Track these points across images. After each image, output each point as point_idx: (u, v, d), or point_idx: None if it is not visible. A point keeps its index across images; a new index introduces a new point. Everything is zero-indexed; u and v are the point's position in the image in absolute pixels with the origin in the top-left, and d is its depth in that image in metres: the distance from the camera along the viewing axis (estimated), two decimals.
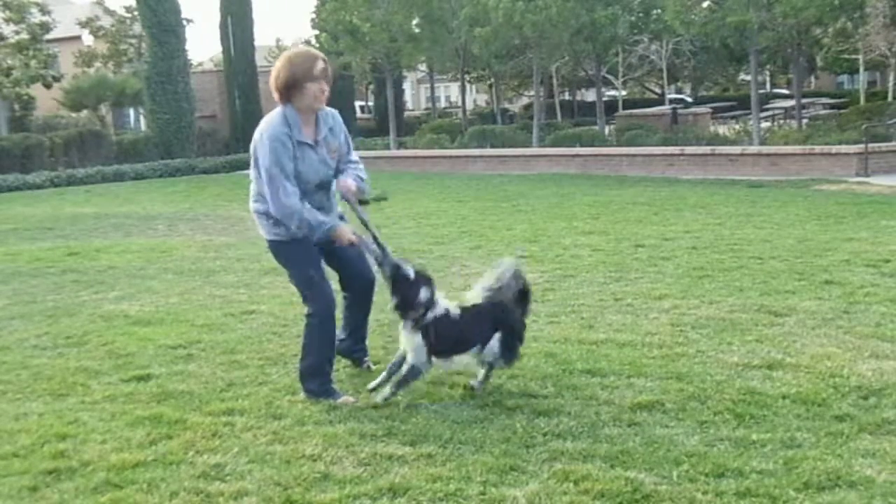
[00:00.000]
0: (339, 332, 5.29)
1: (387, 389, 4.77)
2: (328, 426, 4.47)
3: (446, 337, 4.70)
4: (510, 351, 4.87)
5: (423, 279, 4.74)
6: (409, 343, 4.70)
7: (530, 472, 3.85)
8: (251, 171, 4.89)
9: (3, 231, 13.41)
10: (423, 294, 4.68)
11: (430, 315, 4.67)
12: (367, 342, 5.56)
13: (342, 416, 4.60)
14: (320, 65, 4.63)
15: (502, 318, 4.85)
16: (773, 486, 3.63)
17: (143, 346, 6.14)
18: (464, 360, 4.86)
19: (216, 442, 4.31)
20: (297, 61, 4.64)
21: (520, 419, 4.46)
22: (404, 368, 4.73)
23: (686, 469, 3.81)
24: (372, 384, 4.92)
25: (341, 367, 5.36)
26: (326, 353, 4.96)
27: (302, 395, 4.91)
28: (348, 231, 4.76)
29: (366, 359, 5.51)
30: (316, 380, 4.90)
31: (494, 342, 4.81)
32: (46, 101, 31.63)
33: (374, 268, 4.88)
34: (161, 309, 7.38)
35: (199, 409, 4.81)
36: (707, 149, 19.51)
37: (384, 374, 4.90)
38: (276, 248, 4.94)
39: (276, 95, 4.70)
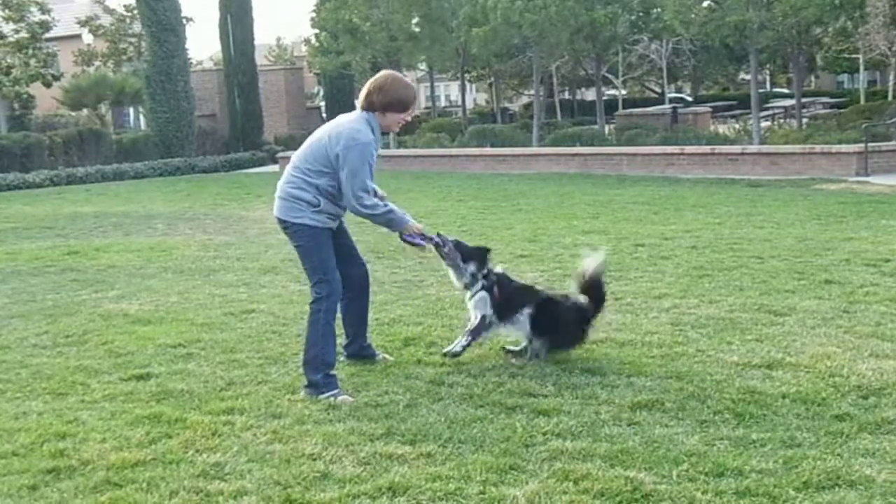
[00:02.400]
0: (342, 340, 5.49)
1: (462, 340, 5.42)
2: (328, 425, 4.47)
3: (504, 294, 5.43)
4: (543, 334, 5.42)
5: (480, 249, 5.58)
6: (479, 301, 5.41)
7: (530, 472, 3.85)
8: (303, 160, 5.07)
9: (2, 230, 13.40)
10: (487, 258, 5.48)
11: (492, 276, 5.44)
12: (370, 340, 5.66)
13: (342, 416, 4.60)
14: (415, 102, 5.26)
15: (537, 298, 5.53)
16: (773, 486, 3.63)
17: (143, 345, 6.13)
18: (512, 328, 5.48)
19: (216, 441, 4.31)
20: (407, 90, 5.16)
21: (519, 418, 4.46)
22: (474, 321, 5.43)
23: (686, 468, 3.81)
24: (447, 349, 5.50)
25: (341, 367, 5.36)
26: (330, 343, 5.02)
27: (302, 394, 4.92)
28: (417, 225, 5.25)
29: (377, 354, 5.60)
30: (320, 371, 4.95)
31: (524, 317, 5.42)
32: (46, 100, 31.61)
33: (432, 253, 5.54)
34: (161, 308, 7.38)
35: (198, 407, 4.81)
36: (707, 148, 19.51)
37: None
38: (306, 231, 5.03)
39: (365, 102, 5.08)
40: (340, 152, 4.91)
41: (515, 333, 5.53)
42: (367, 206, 4.99)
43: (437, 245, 5.38)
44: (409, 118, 5.24)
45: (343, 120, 5.14)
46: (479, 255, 5.48)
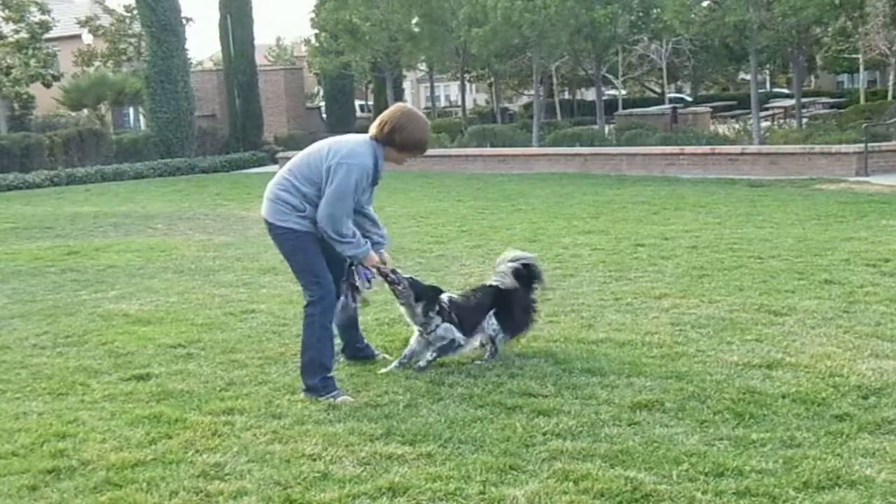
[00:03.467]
0: (337, 341, 5.41)
1: (427, 354, 5.37)
2: (328, 425, 4.48)
3: (462, 317, 5.45)
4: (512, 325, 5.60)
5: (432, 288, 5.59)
6: (446, 332, 5.38)
7: (530, 472, 3.85)
8: (297, 166, 5.02)
9: (2, 230, 13.40)
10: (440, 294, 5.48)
11: (444, 304, 5.43)
12: (367, 340, 5.68)
13: (342, 416, 4.60)
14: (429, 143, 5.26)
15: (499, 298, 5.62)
16: (773, 486, 3.63)
17: (143, 346, 6.13)
18: (475, 341, 5.58)
19: (216, 441, 4.31)
20: (427, 132, 5.12)
21: (519, 418, 4.46)
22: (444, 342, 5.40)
23: (686, 468, 3.81)
24: (384, 370, 5.37)
25: (341, 367, 5.36)
26: (326, 346, 5.00)
27: (302, 395, 4.92)
28: (376, 257, 5.12)
29: (376, 353, 5.62)
30: (317, 375, 4.93)
31: (492, 319, 5.54)
32: (46, 100, 31.59)
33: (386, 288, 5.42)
34: (161, 308, 7.38)
35: (198, 408, 4.81)
36: (707, 148, 19.51)
37: (395, 363, 5.42)
38: (290, 235, 4.98)
39: (378, 132, 5.00)
40: (333, 166, 4.84)
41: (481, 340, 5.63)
42: (342, 236, 4.86)
43: (391, 283, 5.30)
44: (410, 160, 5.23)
45: (348, 138, 5.10)
46: (431, 296, 5.42)
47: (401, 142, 5.00)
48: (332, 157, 4.89)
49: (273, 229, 5.05)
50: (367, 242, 5.05)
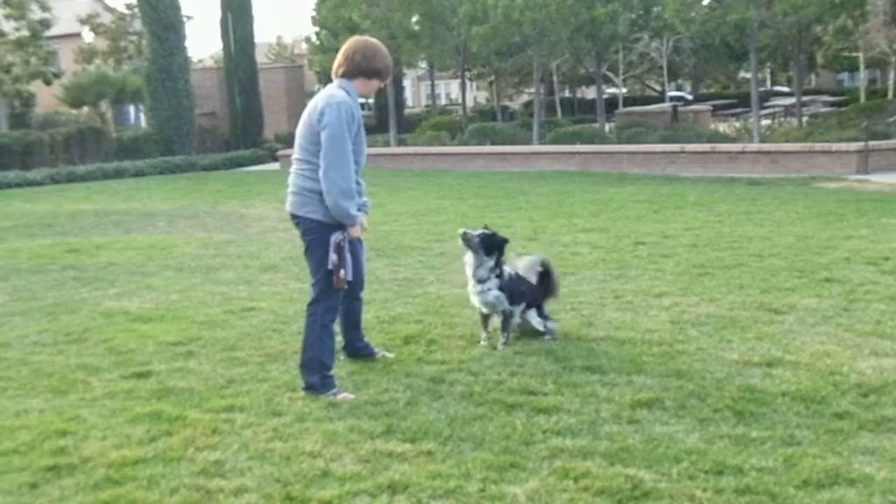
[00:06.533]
0: (338, 339, 5.40)
1: (501, 338, 5.76)
2: (328, 423, 4.48)
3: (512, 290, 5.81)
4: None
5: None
6: (497, 300, 5.73)
7: (530, 469, 3.85)
8: (301, 150, 4.99)
9: (3, 228, 13.40)
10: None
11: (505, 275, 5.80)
12: (367, 338, 5.66)
13: (342, 413, 4.61)
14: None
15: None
16: (773, 484, 3.64)
17: (144, 343, 6.14)
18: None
19: (216, 438, 4.32)
20: (387, 59, 5.06)
21: (519, 416, 4.46)
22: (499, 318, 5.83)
23: (686, 466, 3.81)
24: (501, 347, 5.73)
25: (341, 365, 5.37)
26: (328, 345, 4.99)
27: (302, 392, 4.92)
28: (359, 230, 5.06)
29: (376, 351, 5.60)
30: (317, 373, 4.93)
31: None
32: (47, 98, 31.60)
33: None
34: (161, 306, 7.39)
35: (199, 405, 4.81)
36: (707, 146, 19.51)
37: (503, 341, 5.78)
38: (317, 227, 4.92)
39: (349, 65, 4.97)
40: (318, 118, 4.82)
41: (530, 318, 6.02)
42: (348, 182, 4.76)
43: (467, 244, 5.67)
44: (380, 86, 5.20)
45: (319, 95, 5.04)
46: (501, 247, 5.75)
47: (374, 69, 4.98)
48: (316, 113, 4.86)
49: (301, 222, 4.99)
50: (359, 212, 5.01)
